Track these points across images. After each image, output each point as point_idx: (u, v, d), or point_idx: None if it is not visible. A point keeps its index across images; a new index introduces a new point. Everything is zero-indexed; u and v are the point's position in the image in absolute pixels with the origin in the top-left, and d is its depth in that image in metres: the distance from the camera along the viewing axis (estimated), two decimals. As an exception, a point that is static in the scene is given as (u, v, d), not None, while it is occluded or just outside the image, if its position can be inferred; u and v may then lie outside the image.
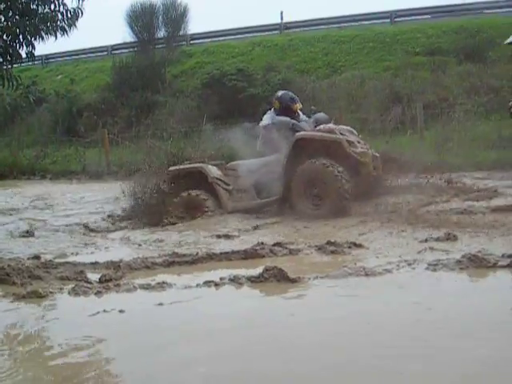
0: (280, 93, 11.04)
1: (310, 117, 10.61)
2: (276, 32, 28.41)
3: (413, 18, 26.08)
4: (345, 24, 26.69)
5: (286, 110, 10.54)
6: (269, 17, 39.79)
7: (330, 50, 24.38)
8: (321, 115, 10.56)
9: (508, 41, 11.22)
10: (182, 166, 11.22)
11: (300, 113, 10.77)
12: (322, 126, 9.91)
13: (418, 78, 20.90)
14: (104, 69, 29.19)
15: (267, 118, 10.60)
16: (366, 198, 9.64)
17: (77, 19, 10.65)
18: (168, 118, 23.23)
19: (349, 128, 10.35)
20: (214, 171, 10.52)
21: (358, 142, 9.91)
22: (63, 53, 33.03)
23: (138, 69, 26.46)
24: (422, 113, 17.64)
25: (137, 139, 20.52)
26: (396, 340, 4.51)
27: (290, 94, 10.98)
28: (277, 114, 10.53)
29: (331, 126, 9.99)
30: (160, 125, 22.62)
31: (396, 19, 26.12)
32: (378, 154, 10.27)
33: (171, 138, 18.08)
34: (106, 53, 32.28)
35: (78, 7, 10.46)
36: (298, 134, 9.83)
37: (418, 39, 23.50)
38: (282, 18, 28.88)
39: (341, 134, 9.76)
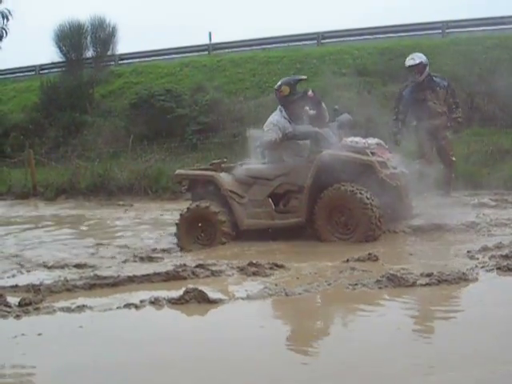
0: (285, 79, 9.57)
1: (333, 120, 9.30)
2: (205, 53, 28.48)
3: (339, 39, 26.42)
4: (271, 45, 26.88)
5: (299, 99, 9.25)
6: (198, 38, 39.83)
7: (257, 71, 24.50)
8: (345, 117, 9.26)
9: (408, 63, 11.43)
10: (190, 172, 10.06)
11: (308, 108, 9.45)
12: (349, 141, 8.86)
13: (344, 99, 21.15)
14: (32, 88, 28.83)
15: (275, 125, 9.16)
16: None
17: (0, 39, 10.56)
18: (96, 139, 23.08)
19: (377, 140, 9.31)
20: (227, 181, 9.30)
21: (389, 160, 9.00)
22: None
23: (65, 89, 26.20)
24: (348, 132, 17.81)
25: (64, 160, 20.32)
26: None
27: (303, 76, 9.89)
28: (284, 107, 9.25)
29: (359, 140, 8.94)
30: (88, 145, 22.47)
31: (323, 40, 26.44)
32: (407, 171, 9.45)
33: (98, 158, 17.99)
34: (33, 72, 31.88)
35: (1, 27, 10.37)
36: (323, 154, 8.69)
37: (344, 60, 23.80)
38: (210, 39, 29.00)
39: (371, 152, 8.81)
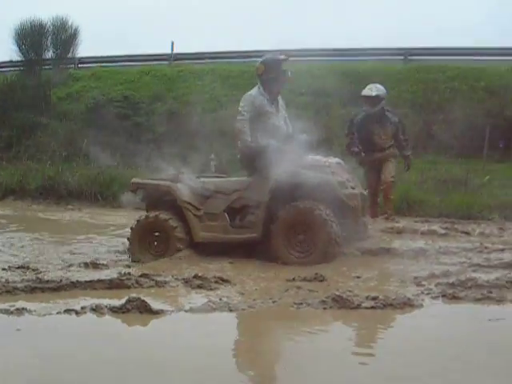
0: (264, 57, 9.35)
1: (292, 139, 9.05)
2: (166, 62, 28.35)
3: (300, 58, 26.45)
4: (233, 60, 26.85)
5: (274, 79, 9.07)
6: (160, 47, 39.61)
7: (217, 84, 24.48)
8: (303, 137, 8.99)
9: (364, 93, 11.40)
10: (146, 181, 9.63)
11: (280, 99, 9.36)
12: (310, 159, 8.74)
13: (303, 118, 21.16)
14: (-13, 86, 28.40)
15: (249, 102, 8.98)
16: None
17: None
18: (50, 141, 22.78)
19: (337, 160, 9.20)
20: (184, 192, 9.05)
21: (348, 181, 8.88)
22: None
23: (22, 88, 25.85)
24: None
25: (16, 160, 20.05)
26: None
27: (282, 56, 9.35)
28: (261, 85, 9.07)
29: (320, 159, 8.84)
30: (41, 147, 22.16)
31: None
32: (365, 192, 9.55)
33: (50, 161, 17.76)
34: (-9, 70, 31.45)
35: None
36: (282, 170, 8.44)
37: (304, 80, 23.81)
38: (172, 49, 28.85)
39: (331, 172, 8.67)
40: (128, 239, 9.29)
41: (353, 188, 8.91)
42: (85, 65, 29.70)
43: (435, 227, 10.99)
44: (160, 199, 9.36)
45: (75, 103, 25.46)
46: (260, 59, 9.32)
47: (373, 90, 11.29)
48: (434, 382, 4.46)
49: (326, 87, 22.86)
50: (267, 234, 8.63)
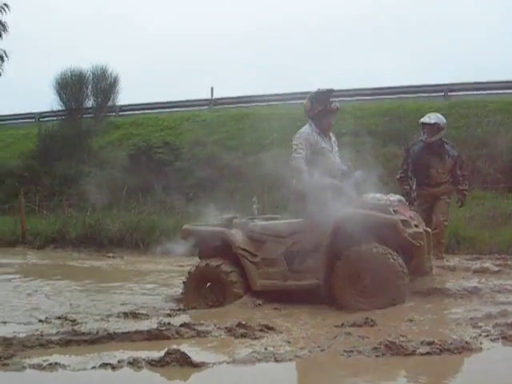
0: (310, 93, 8.85)
1: (349, 177, 8.65)
2: (205, 107, 28.35)
3: (341, 99, 26.28)
4: (273, 102, 26.71)
5: (322, 113, 8.66)
6: (200, 92, 39.91)
7: (258, 127, 24.30)
8: (359, 174, 8.62)
9: (421, 120, 10.80)
10: (199, 227, 9.15)
11: (332, 135, 8.95)
12: (370, 197, 8.25)
13: (343, 159, 20.89)
14: (30, 136, 28.69)
15: (302, 139, 8.51)
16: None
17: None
18: (91, 189, 22.74)
19: (399, 197, 8.66)
20: (239, 238, 8.59)
21: (411, 218, 8.34)
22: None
23: (63, 137, 26.02)
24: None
25: (58, 209, 20.00)
26: None
27: (327, 88, 8.83)
28: (312, 121, 8.68)
29: (381, 197, 8.29)
30: (83, 195, 22.12)
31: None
32: (429, 230, 8.92)
33: (90, 209, 17.63)
34: (33, 120, 31.76)
35: (-5, 68, 10.15)
36: (343, 211, 8.00)
37: (345, 120, 23.60)
38: (212, 94, 28.88)
39: (394, 210, 8.15)
40: (181, 293, 9.01)
41: (416, 226, 8.37)
42: (125, 112, 29.87)
43: (487, 264, 10.54)
44: (214, 245, 8.90)
45: (116, 151, 25.51)
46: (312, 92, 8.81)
47: (431, 117, 10.66)
48: None
49: (368, 126, 22.63)
50: (329, 279, 8.08)
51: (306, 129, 8.71)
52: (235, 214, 9.31)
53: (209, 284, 8.61)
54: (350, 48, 55.02)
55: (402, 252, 8.02)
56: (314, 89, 8.86)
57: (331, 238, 8.03)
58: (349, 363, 5.66)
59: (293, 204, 9.00)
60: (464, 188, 10.87)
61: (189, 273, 8.81)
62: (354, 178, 8.55)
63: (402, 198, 8.83)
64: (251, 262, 8.52)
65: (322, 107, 8.67)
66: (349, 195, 8.27)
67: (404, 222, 8.06)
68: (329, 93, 8.76)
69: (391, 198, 8.37)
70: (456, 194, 11.09)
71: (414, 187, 10.85)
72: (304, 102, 8.96)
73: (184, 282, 8.87)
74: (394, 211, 8.12)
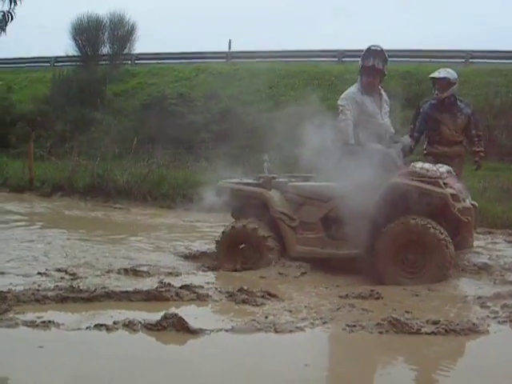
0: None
1: (396, 142, 8.30)
2: (222, 60, 28.00)
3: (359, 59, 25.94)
4: (291, 59, 26.38)
5: (361, 72, 8.31)
6: (217, 45, 39.58)
7: (274, 84, 24.01)
8: (407, 140, 8.46)
9: (431, 75, 10.17)
10: (236, 186, 8.72)
11: (382, 91, 8.50)
12: (419, 167, 7.80)
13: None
14: (44, 80, 28.45)
15: (349, 99, 8.14)
16: None
17: (6, 24, 10.06)
18: (103, 137, 22.55)
19: (447, 168, 8.22)
20: (278, 200, 8.29)
21: (460, 192, 7.98)
22: (5, 59, 32.26)
23: (78, 83, 25.74)
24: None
25: (68, 156, 19.77)
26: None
27: (377, 47, 8.31)
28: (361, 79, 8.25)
29: (430, 168, 7.84)
30: (94, 143, 21.94)
31: (344, 59, 25.94)
32: (476, 204, 8.56)
33: (99, 158, 17.42)
34: (48, 64, 31.47)
35: (8, 11, 9.88)
36: (392, 181, 7.69)
37: (362, 82, 23.31)
38: (229, 47, 28.54)
39: (444, 183, 7.73)
40: (216, 247, 8.68)
41: (464, 200, 8.06)
42: (141, 61, 29.56)
43: (499, 240, 10.31)
44: (248, 204, 8.60)
45: (130, 99, 25.29)
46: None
47: (441, 72, 10.06)
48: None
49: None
50: (370, 250, 7.77)
51: (352, 88, 8.34)
52: (273, 173, 8.86)
53: (243, 246, 8.37)
54: (370, 8, 54.30)
55: (448, 226, 7.70)
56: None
57: (377, 207, 7.67)
58: (350, 339, 5.49)
59: (335, 167, 8.26)
60: (480, 150, 10.11)
61: (223, 232, 8.53)
62: (401, 142, 8.25)
63: (451, 168, 8.40)
64: (289, 226, 8.21)
65: (360, 65, 8.35)
66: (396, 162, 7.94)
67: (454, 196, 7.71)
68: (367, 50, 8.31)
69: (441, 170, 7.95)
70: (472, 157, 10.55)
71: (425, 146, 10.39)
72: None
73: (217, 242, 8.61)
74: (444, 184, 7.74)
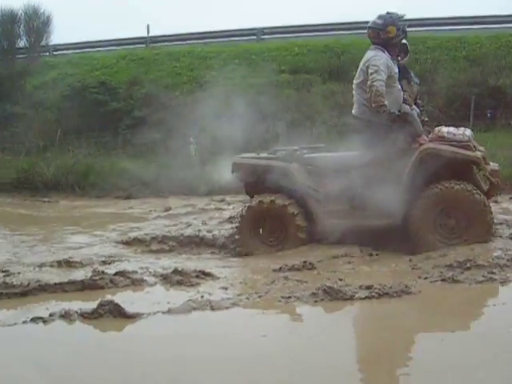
0: (386, 18, 7.89)
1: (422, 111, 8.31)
2: (142, 46, 27.76)
3: (280, 35, 26.01)
4: (210, 40, 26.32)
5: (398, 41, 7.92)
6: (135, 30, 39.20)
7: (195, 66, 23.93)
8: (415, 107, 8.26)
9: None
10: (255, 161, 8.30)
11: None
12: (446, 132, 7.61)
13: (282, 96, 20.76)
14: (-40, 77, 27.79)
15: (384, 66, 7.61)
16: None
17: None
18: (26, 131, 22.19)
19: (470, 132, 7.94)
20: (302, 173, 7.92)
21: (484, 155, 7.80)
22: None
23: (-5, 78, 25.26)
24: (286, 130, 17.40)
25: (-10, 152, 19.47)
26: None
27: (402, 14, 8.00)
28: (386, 49, 7.79)
29: (456, 132, 7.64)
30: (17, 138, 21.57)
31: (263, 36, 26.00)
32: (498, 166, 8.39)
33: (23, 152, 17.19)
34: (-37, 60, 30.78)
35: None
36: (425, 147, 7.48)
37: (284, 57, 23.38)
38: (148, 32, 28.26)
39: (474, 146, 7.61)
40: (236, 228, 8.30)
41: (490, 164, 8.02)
42: (60, 52, 29.08)
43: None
44: (264, 179, 8.09)
45: (51, 91, 24.83)
46: (381, 21, 7.87)
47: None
48: None
49: (306, 64, 22.44)
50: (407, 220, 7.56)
51: (380, 53, 7.80)
52: (294, 145, 8.55)
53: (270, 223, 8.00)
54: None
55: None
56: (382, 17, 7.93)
57: (410, 174, 7.52)
58: (287, 310, 5.59)
59: (356, 133, 8.08)
60: (426, 119, 10.01)
61: (241, 216, 8.15)
62: (415, 109, 8.10)
63: (472, 132, 8.11)
64: (315, 198, 7.89)
65: (400, 37, 8.00)
66: (420, 127, 7.74)
67: (484, 158, 7.69)
68: (400, 22, 7.97)
69: (466, 133, 7.75)
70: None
71: None
72: (388, 28, 7.87)
73: (241, 216, 8.17)
74: (474, 147, 7.66)
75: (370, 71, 7.60)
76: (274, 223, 7.97)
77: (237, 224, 8.29)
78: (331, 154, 8.28)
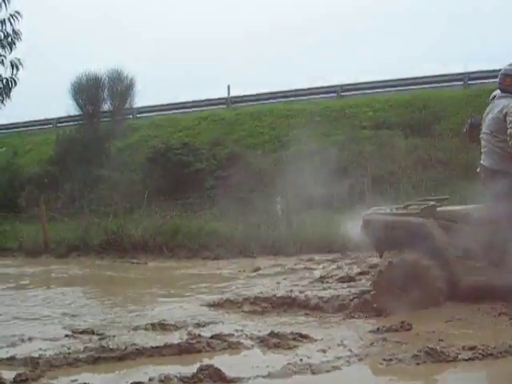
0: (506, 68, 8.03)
1: None
2: (223, 106, 28.14)
3: (360, 92, 26.07)
4: (291, 99, 26.53)
5: None
6: (216, 91, 39.90)
7: (276, 124, 24.13)
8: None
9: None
10: (390, 218, 7.98)
11: None
12: None
13: (364, 152, 20.70)
14: (48, 142, 28.66)
15: None
16: None
17: (10, 90, 10.15)
18: (112, 193, 22.60)
19: None
20: (439, 230, 7.54)
21: None
22: (7, 125, 32.57)
23: (82, 142, 25.93)
24: (371, 187, 17.27)
25: (79, 215, 19.79)
26: None
27: None
28: None
29: None
30: (104, 200, 21.97)
31: (343, 93, 26.09)
32: None
33: (111, 214, 17.44)
34: (51, 126, 31.73)
35: (11, 77, 9.98)
36: None
37: (364, 113, 23.39)
38: (228, 93, 28.68)
39: None
40: (372, 283, 7.96)
41: None
42: (143, 114, 29.74)
43: None
44: (396, 236, 7.83)
45: (135, 153, 25.40)
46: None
47: None
48: None
49: (387, 119, 22.36)
50: None
51: None
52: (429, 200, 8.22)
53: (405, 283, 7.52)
54: (360, 42, 54.48)
55: None
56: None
57: None
58: (390, 372, 5.44)
59: (487, 184, 7.76)
60: None
61: (379, 272, 7.76)
62: None
63: None
64: (456, 256, 7.52)
65: None
66: None
67: None
68: None
69: None
70: None
71: None
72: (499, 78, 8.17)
73: (374, 282, 7.82)
74: None
75: (509, 119, 7.38)
76: (412, 282, 7.50)
77: (374, 279, 7.89)
78: (465, 207, 8.02)
